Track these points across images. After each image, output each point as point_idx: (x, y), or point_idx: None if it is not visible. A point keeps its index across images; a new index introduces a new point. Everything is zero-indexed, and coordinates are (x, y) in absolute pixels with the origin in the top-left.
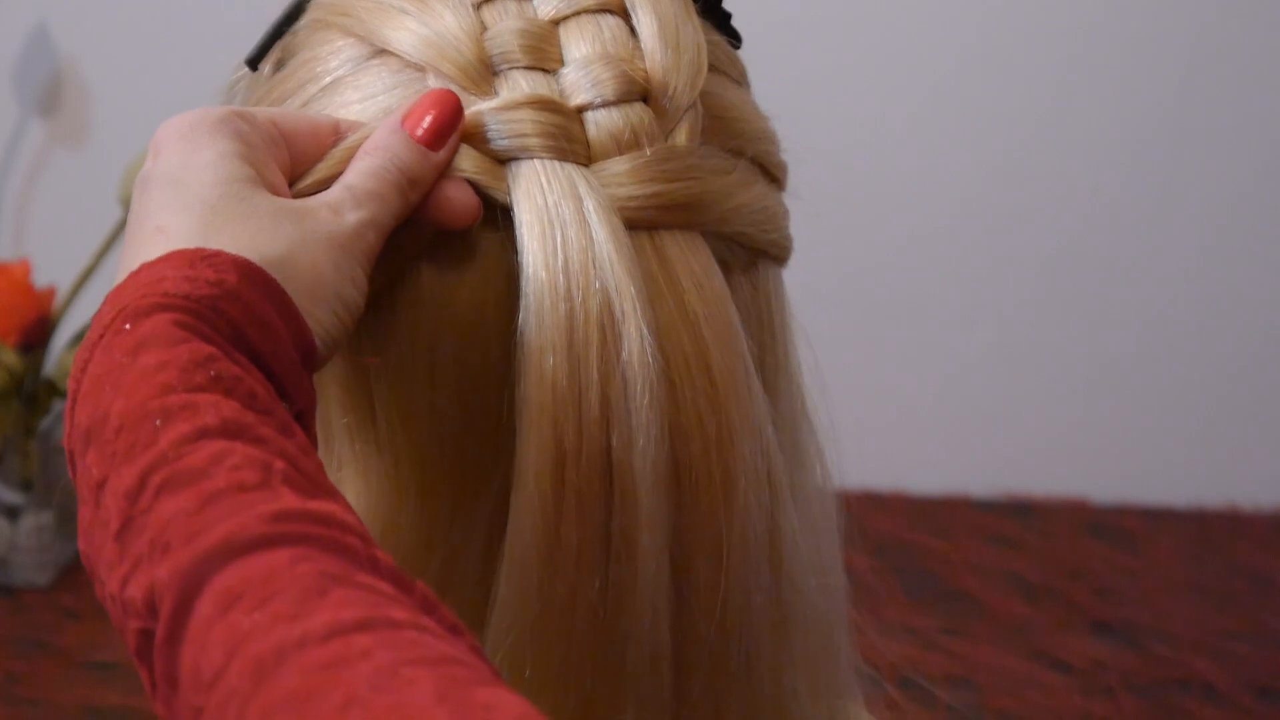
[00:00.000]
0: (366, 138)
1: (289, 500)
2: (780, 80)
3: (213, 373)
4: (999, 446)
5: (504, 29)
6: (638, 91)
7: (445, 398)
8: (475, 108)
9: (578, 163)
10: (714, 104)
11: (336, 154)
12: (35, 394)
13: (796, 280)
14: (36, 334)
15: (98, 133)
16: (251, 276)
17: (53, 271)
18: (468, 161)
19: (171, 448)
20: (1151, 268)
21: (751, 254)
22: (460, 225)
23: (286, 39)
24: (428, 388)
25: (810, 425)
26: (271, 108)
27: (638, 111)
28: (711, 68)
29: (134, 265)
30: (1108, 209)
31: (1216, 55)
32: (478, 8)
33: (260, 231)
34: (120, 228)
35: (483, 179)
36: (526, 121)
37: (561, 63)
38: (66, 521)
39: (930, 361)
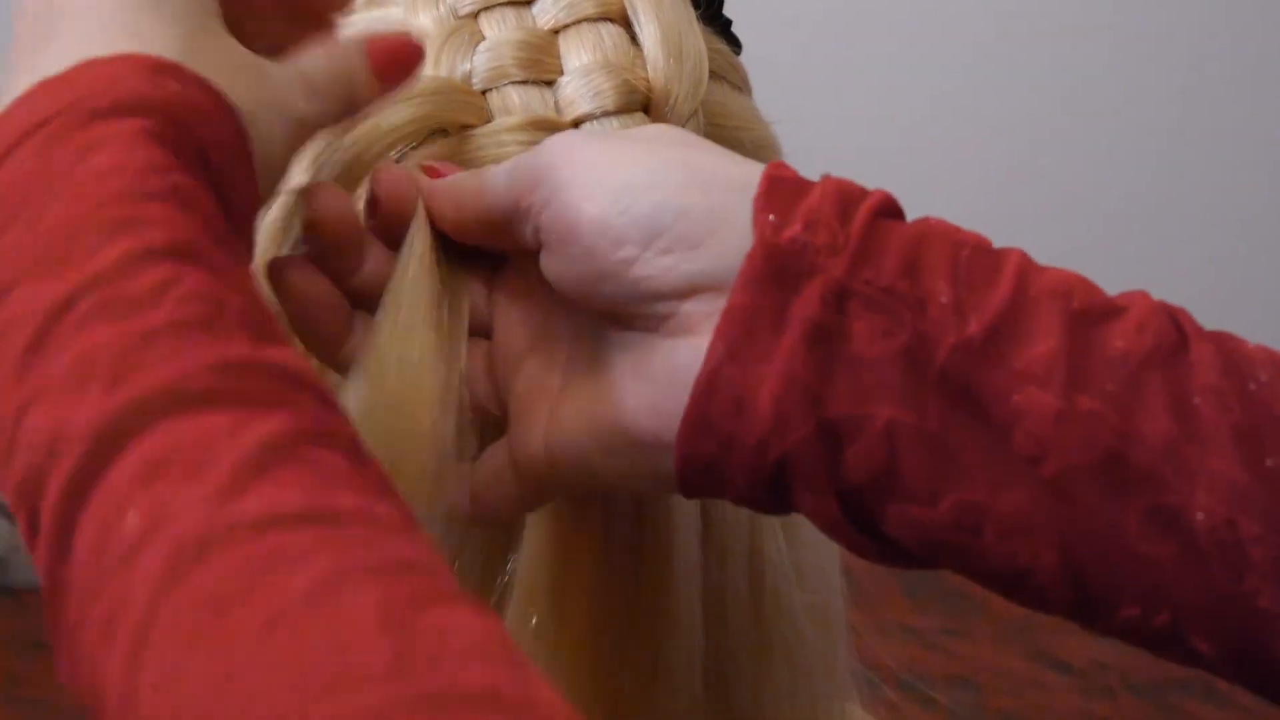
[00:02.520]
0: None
1: (239, 346)
2: (783, 84)
3: (172, 182)
4: None
5: (501, 40)
6: (639, 100)
7: None
8: (468, 134)
9: None
10: (716, 112)
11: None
12: None
13: None
14: None
15: None
16: (226, 106)
17: None
18: None
19: (112, 266)
20: (1151, 269)
21: None
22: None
23: None
24: None
25: None
26: None
27: (638, 122)
28: (713, 74)
29: (73, 55)
30: (1109, 212)
31: (1221, 58)
32: (476, 16)
33: (234, 76)
34: None
35: None
36: (514, 145)
37: (561, 73)
38: None
39: None
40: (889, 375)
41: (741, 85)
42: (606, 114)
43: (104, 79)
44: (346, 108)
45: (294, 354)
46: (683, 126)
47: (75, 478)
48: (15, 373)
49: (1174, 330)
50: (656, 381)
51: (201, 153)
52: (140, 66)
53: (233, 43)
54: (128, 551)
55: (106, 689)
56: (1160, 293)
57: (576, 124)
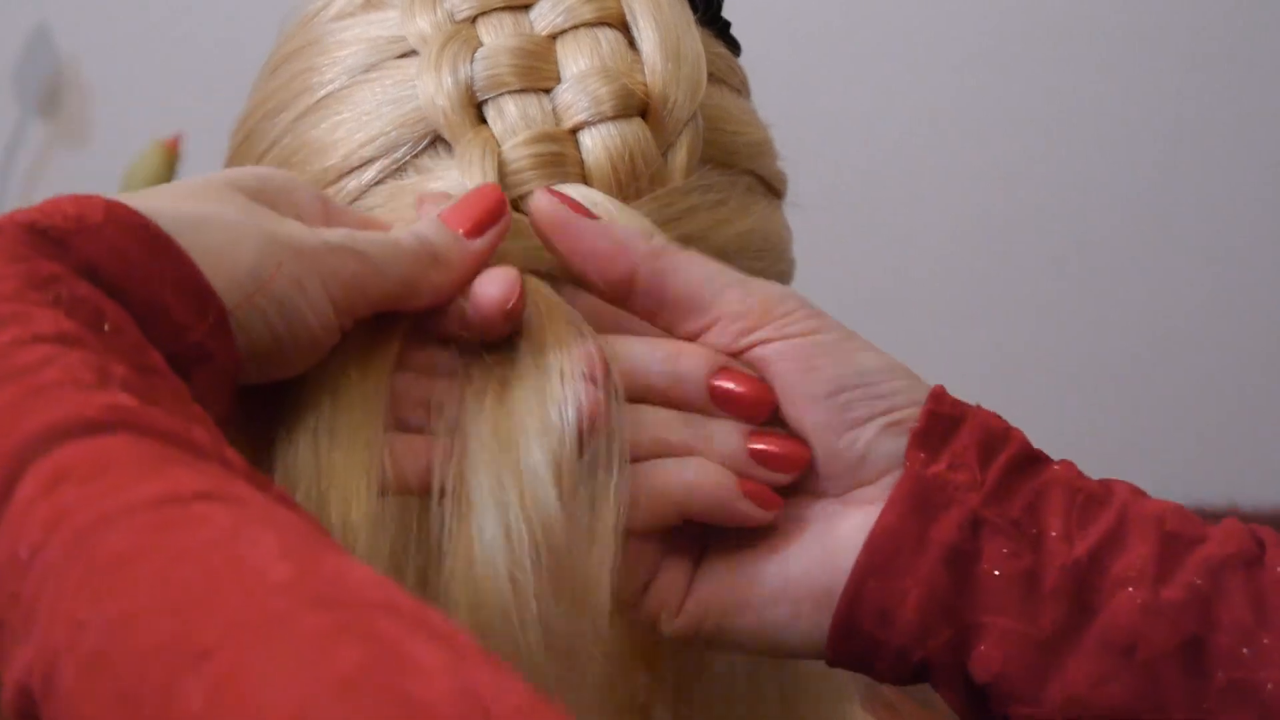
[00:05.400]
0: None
1: (127, 400)
2: (782, 87)
3: (53, 295)
4: None
5: (498, 47)
6: (636, 105)
7: None
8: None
9: (577, 182)
10: (714, 116)
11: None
12: None
13: (801, 283)
14: None
15: (98, 133)
16: (120, 218)
17: None
18: None
19: (1, 351)
20: (1151, 269)
21: None
22: (489, 320)
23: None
24: None
25: None
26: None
27: (634, 128)
28: (712, 78)
29: None
30: (1109, 213)
31: (1220, 55)
32: (473, 21)
33: (194, 199)
34: None
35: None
36: (524, 159)
37: (558, 79)
38: None
39: (929, 363)
40: (1009, 590)
41: (740, 88)
42: (605, 120)
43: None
44: (423, 261)
45: (184, 422)
46: (681, 130)
47: None
48: None
49: (1254, 544)
50: (836, 546)
51: (87, 262)
52: (46, 203)
53: (239, 195)
54: (32, 552)
55: (34, 685)
56: (1155, 293)
57: (574, 131)
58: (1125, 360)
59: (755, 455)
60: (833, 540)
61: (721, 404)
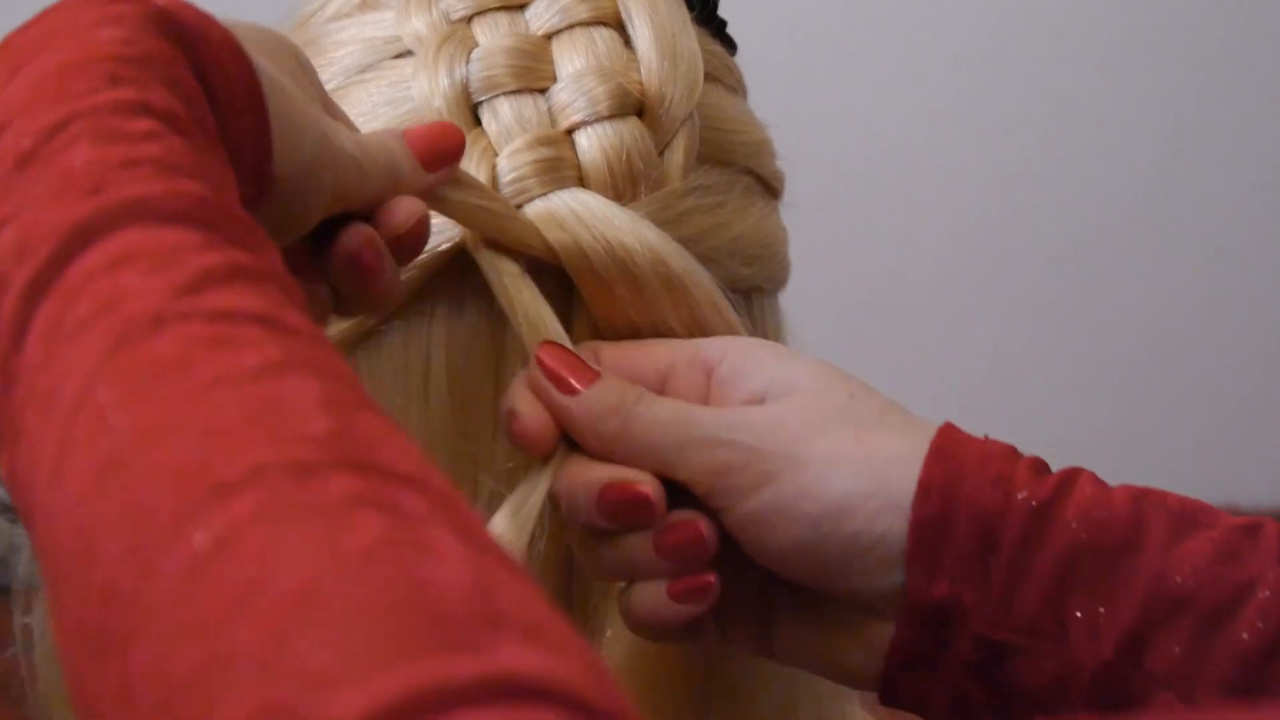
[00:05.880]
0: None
1: (213, 199)
2: (778, 86)
3: (173, 78)
4: None
5: (494, 47)
6: (632, 104)
7: (439, 412)
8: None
9: (574, 186)
10: (711, 115)
11: None
12: None
13: (798, 284)
14: None
15: None
16: (235, 51)
17: None
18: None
19: (110, 104)
20: (1150, 269)
21: (744, 295)
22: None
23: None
24: (421, 401)
25: None
26: None
27: (631, 127)
28: (708, 77)
29: None
30: (1108, 213)
31: (1220, 55)
32: (469, 21)
33: (275, 65)
34: None
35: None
36: (526, 165)
37: (554, 79)
38: None
39: (929, 363)
40: (1040, 696)
41: (736, 87)
42: (600, 119)
43: None
44: (389, 189)
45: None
46: (678, 129)
47: (40, 272)
48: (1, 192)
49: None
50: (869, 647)
51: (201, 73)
52: (194, 10)
53: (316, 102)
54: (78, 327)
55: (39, 463)
56: (1154, 294)
57: (570, 131)
58: (1124, 360)
59: (664, 555)
60: (858, 635)
61: (614, 524)
